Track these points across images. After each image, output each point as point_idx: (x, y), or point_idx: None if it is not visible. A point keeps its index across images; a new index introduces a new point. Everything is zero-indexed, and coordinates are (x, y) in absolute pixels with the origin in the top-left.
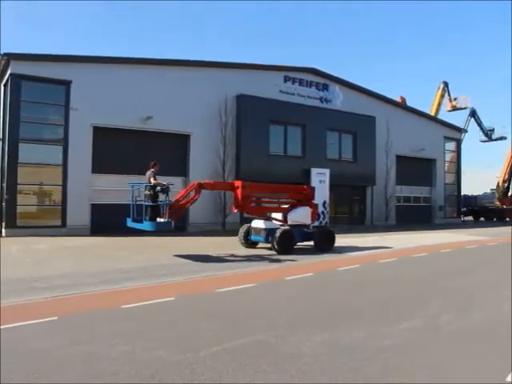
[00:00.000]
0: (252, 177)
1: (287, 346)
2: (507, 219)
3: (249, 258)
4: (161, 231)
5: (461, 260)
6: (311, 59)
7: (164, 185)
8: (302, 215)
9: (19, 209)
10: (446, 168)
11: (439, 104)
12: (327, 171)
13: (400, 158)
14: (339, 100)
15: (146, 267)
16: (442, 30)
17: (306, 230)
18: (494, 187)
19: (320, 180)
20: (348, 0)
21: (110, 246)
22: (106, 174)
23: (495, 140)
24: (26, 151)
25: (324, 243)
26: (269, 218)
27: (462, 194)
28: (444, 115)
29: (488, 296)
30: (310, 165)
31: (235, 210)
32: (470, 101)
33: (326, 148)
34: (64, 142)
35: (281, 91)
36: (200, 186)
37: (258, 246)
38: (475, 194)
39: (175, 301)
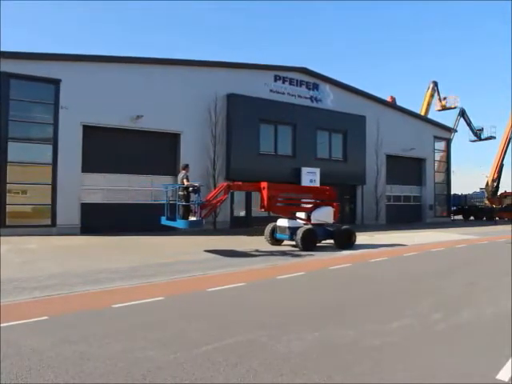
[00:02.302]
0: (242, 176)
1: (278, 345)
2: (496, 218)
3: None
4: (193, 228)
5: (452, 258)
6: (302, 59)
7: (196, 186)
8: (324, 215)
9: (8, 208)
10: (435, 167)
11: (429, 104)
12: (317, 170)
13: (390, 158)
14: (330, 99)
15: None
16: (432, 29)
17: (328, 228)
18: (484, 186)
19: (310, 179)
20: (339, 0)
21: (100, 246)
22: (96, 173)
23: (484, 139)
24: (15, 150)
25: (344, 241)
26: (293, 217)
27: (452, 193)
28: (434, 115)
29: (478, 295)
30: (301, 164)
31: (262, 210)
32: (459, 100)
33: (317, 147)
34: (53, 141)
35: (271, 90)
36: (228, 187)
37: (284, 243)
38: (465, 193)
39: (165, 300)
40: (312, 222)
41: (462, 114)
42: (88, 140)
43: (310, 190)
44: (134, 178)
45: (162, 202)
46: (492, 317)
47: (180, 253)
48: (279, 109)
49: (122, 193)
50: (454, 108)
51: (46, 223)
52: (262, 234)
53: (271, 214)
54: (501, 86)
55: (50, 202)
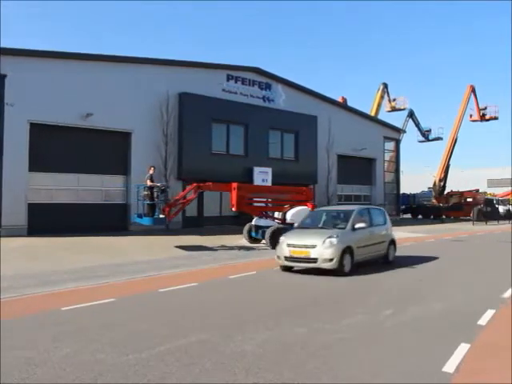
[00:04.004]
0: (194, 176)
1: (231, 345)
2: (443, 217)
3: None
4: (157, 225)
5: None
6: (254, 59)
7: (158, 186)
8: (299, 214)
9: None
10: (385, 167)
11: (379, 105)
12: (269, 170)
13: (341, 158)
14: (282, 99)
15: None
16: (383, 31)
17: None
18: (431, 186)
19: (262, 179)
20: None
21: (50, 247)
22: (44, 173)
23: (432, 140)
24: None
25: None
26: (262, 217)
27: (401, 192)
28: (383, 116)
29: (426, 291)
30: (253, 164)
31: (234, 209)
32: (408, 102)
33: (269, 147)
34: None
35: (224, 90)
36: (198, 188)
37: (262, 241)
38: (413, 192)
39: (116, 302)
40: (287, 221)
41: (411, 115)
42: (36, 138)
43: (286, 191)
44: (83, 178)
45: (115, 202)
46: (439, 311)
47: (134, 253)
48: (231, 108)
49: (71, 193)
50: (404, 109)
51: None
52: (213, 233)
53: (222, 214)
54: (448, 89)
55: None
